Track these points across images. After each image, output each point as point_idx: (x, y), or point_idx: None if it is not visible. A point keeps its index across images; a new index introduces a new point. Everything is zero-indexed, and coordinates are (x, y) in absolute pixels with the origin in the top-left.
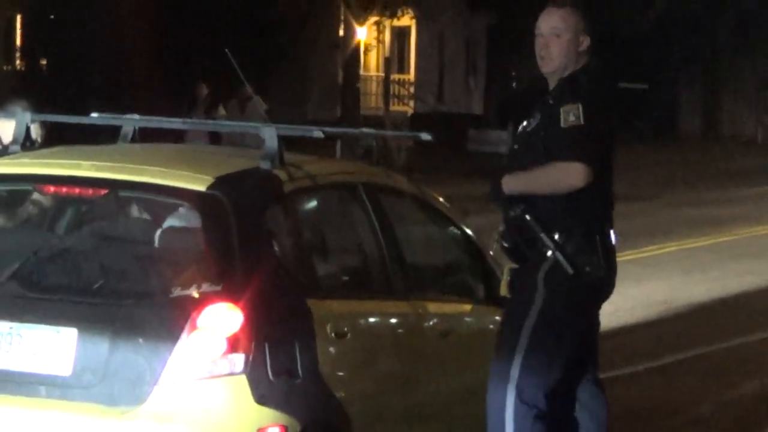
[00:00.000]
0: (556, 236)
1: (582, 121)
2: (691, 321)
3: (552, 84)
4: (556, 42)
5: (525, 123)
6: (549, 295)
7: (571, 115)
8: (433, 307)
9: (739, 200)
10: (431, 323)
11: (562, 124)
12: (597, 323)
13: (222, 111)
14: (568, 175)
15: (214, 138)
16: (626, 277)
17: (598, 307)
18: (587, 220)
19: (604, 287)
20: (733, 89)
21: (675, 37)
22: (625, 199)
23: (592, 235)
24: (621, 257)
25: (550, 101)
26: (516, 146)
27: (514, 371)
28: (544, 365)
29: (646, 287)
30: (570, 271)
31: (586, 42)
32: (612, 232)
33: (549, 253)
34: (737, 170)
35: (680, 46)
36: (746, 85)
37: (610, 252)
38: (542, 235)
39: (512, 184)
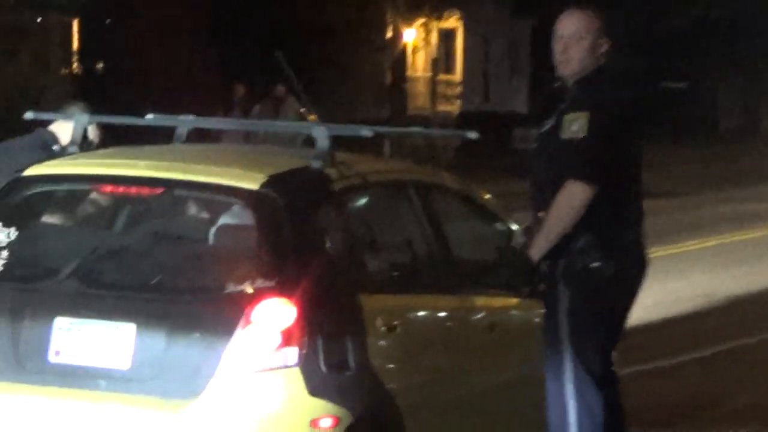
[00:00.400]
0: (568, 236)
1: (582, 134)
2: (731, 314)
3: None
4: (576, 46)
5: (545, 124)
6: (572, 292)
7: (574, 124)
8: (480, 301)
9: None
10: (478, 317)
11: (562, 135)
12: (624, 314)
13: (257, 109)
14: (573, 199)
15: (246, 136)
16: (668, 271)
17: (623, 302)
18: (596, 221)
19: (620, 283)
20: None
21: (716, 37)
22: (667, 195)
23: (600, 236)
24: (662, 252)
25: (563, 105)
26: (535, 145)
27: (568, 368)
28: (591, 353)
29: (688, 281)
30: (577, 267)
31: (605, 45)
32: (632, 231)
33: (562, 251)
34: None
35: (721, 46)
36: None
37: (626, 250)
38: None
39: (537, 250)
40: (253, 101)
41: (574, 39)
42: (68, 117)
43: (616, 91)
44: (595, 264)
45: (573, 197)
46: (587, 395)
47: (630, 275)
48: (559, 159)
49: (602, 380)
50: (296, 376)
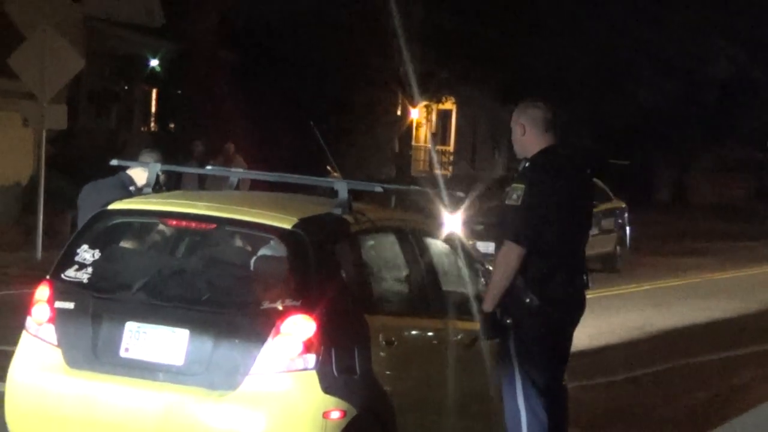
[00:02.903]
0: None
1: (520, 202)
2: (658, 344)
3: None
4: (518, 134)
5: (505, 190)
6: (513, 322)
7: (514, 194)
8: (461, 325)
9: (699, 252)
10: (459, 337)
11: (506, 201)
12: (562, 340)
13: (212, 164)
14: (509, 257)
15: (201, 181)
16: (609, 308)
17: (555, 329)
18: (526, 267)
19: (547, 315)
20: (697, 169)
21: (655, 126)
22: None
23: (529, 278)
24: (606, 292)
25: (515, 175)
26: (497, 205)
27: (519, 382)
28: (536, 369)
29: (625, 316)
30: (515, 302)
31: (527, 130)
32: (561, 275)
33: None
34: (699, 230)
35: (657, 134)
36: (708, 167)
37: (551, 290)
38: None
39: (490, 304)
40: (209, 156)
41: (516, 129)
42: (144, 165)
43: (555, 168)
44: (526, 300)
45: (509, 255)
46: (534, 404)
47: (556, 309)
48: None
49: (547, 391)
50: (313, 377)
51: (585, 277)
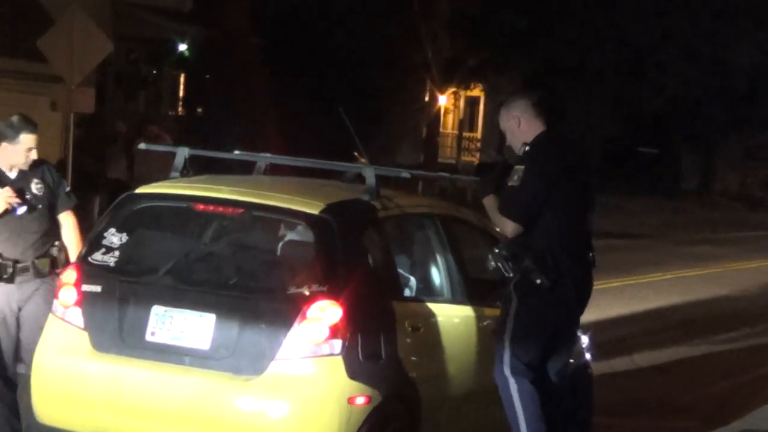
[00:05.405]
0: (519, 261)
1: (518, 183)
2: (682, 332)
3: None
4: (511, 133)
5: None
6: (519, 300)
7: (515, 174)
8: (487, 311)
9: (724, 242)
10: (485, 324)
11: (508, 182)
12: (568, 321)
13: (139, 145)
14: (502, 226)
15: (130, 163)
16: (633, 296)
17: (559, 308)
18: (536, 250)
19: (556, 295)
20: (723, 158)
21: (681, 116)
22: (636, 236)
23: (540, 259)
24: (630, 281)
25: (513, 160)
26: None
27: (506, 355)
28: (523, 348)
29: (649, 304)
30: (525, 282)
31: (522, 119)
32: (571, 256)
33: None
34: (724, 219)
35: (685, 122)
36: (734, 155)
37: (561, 270)
38: (508, 261)
39: (484, 201)
40: (131, 137)
41: (508, 129)
42: (173, 149)
43: (554, 150)
44: (537, 280)
45: (502, 225)
46: (518, 377)
47: (564, 289)
48: None
49: (535, 368)
50: (339, 363)
51: (591, 255)
